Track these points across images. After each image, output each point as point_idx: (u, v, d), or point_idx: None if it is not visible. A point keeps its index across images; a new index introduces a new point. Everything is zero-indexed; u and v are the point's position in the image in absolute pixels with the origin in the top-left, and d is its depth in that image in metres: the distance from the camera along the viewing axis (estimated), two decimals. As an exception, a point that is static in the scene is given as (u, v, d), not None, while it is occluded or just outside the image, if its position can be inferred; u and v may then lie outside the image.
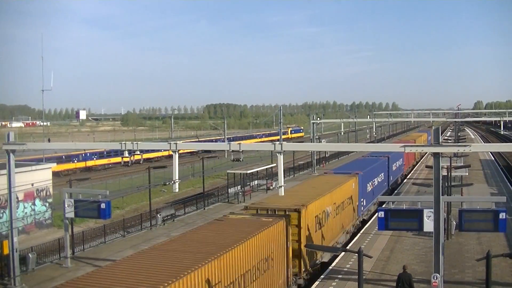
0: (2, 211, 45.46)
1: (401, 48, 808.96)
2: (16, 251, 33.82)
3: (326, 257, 37.17)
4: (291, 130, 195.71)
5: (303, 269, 32.49)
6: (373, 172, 55.52)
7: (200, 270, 20.45)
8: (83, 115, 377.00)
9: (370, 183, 53.17)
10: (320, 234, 36.10)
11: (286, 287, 30.09)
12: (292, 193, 37.84)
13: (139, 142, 32.63)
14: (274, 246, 28.18)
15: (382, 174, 61.67)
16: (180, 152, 31.43)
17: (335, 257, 37.66)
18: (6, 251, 34.90)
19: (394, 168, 70.44)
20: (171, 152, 31.10)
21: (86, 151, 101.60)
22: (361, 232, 45.99)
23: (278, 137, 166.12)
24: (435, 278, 23.49)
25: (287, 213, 31.85)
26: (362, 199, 49.11)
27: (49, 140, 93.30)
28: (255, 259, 25.77)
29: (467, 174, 58.64)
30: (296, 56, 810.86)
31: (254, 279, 25.55)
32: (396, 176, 73.92)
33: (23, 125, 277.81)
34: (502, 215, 26.64)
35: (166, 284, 18.45)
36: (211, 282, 21.14)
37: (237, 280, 23.69)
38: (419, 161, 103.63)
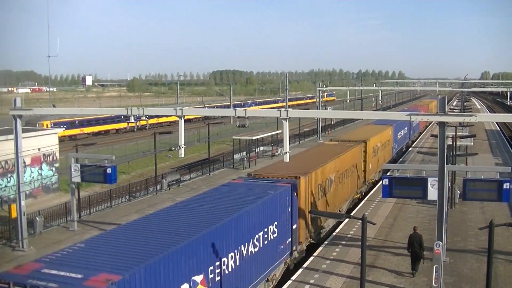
0: (9, 176, 45.82)
1: (408, 17, 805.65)
2: (24, 215, 34.23)
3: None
4: (326, 94, 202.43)
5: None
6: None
7: None
8: (89, 81, 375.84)
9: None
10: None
11: None
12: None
13: (145, 108, 32.74)
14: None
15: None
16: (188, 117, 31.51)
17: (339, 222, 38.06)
18: (14, 214, 35.32)
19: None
20: (176, 118, 31.21)
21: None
22: (365, 199, 46.24)
23: (301, 102, 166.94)
24: (437, 246, 23.68)
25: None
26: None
27: (54, 106, 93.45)
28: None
29: (472, 143, 58.65)
30: (303, 23, 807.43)
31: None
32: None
33: (30, 91, 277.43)
34: (506, 185, 26.77)
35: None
36: None
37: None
38: (426, 128, 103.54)
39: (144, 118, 33.80)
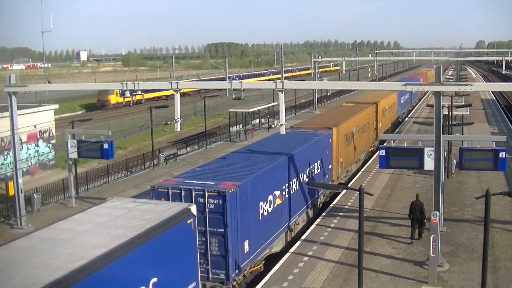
0: (6, 153, 45.75)
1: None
2: (21, 192, 34.23)
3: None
4: (332, 64, 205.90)
5: None
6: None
7: None
8: (83, 56, 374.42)
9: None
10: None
11: None
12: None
13: (140, 82, 32.61)
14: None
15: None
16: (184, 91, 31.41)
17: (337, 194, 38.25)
18: (11, 192, 35.34)
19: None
20: (172, 92, 31.10)
21: None
22: (362, 170, 46.35)
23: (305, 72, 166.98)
24: (434, 216, 23.78)
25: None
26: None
27: (49, 82, 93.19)
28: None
29: (468, 113, 58.69)
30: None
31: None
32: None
33: (24, 67, 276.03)
34: (502, 154, 26.81)
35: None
36: None
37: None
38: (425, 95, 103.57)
39: (139, 92, 33.66)
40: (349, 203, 36.01)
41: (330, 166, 39.18)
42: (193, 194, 23.52)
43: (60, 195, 40.38)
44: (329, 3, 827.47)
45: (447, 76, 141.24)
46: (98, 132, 40.28)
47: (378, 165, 31.40)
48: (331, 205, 36.17)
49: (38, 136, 49.73)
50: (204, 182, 24.36)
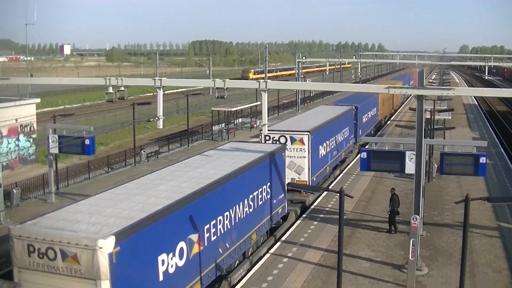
0: (-14, 146, 45.36)
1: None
2: (0, 187, 33.95)
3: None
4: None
5: None
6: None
7: None
8: (67, 50, 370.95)
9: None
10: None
11: None
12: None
13: (123, 78, 32.49)
14: None
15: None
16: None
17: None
18: (-10, 186, 35.00)
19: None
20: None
21: None
22: (343, 172, 46.44)
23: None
24: (414, 220, 23.86)
25: None
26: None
27: (31, 76, 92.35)
28: None
29: (450, 117, 58.98)
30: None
31: None
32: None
33: (7, 60, 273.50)
34: (482, 160, 26.97)
35: None
36: None
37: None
38: (404, 102, 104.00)
39: (123, 88, 33.48)
40: (329, 205, 36.06)
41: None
42: None
43: (40, 190, 40.08)
44: (313, 4, 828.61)
45: (430, 80, 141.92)
46: (80, 128, 40.07)
47: (359, 168, 31.46)
48: (312, 207, 36.22)
49: (19, 130, 49.33)
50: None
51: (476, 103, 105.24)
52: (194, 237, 21.58)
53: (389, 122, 78.02)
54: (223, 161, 28.11)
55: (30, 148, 50.25)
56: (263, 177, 29.70)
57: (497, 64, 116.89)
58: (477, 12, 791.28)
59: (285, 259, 27.08)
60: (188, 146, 59.89)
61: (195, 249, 21.67)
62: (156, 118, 30.99)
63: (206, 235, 22.79)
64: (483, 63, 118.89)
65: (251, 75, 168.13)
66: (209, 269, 22.95)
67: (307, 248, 28.58)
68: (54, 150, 37.12)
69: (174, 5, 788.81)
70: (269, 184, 30.21)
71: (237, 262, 26.80)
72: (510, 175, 44.61)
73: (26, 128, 50.08)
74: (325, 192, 37.86)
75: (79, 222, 17.98)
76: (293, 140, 37.70)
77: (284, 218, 33.94)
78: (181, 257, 20.54)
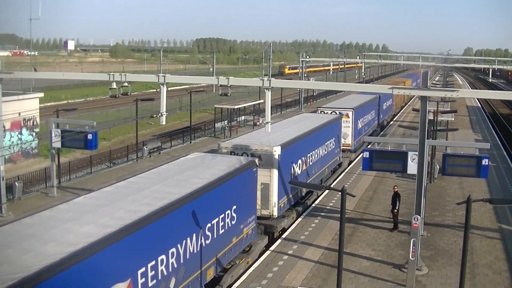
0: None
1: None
2: (3, 180, 33.98)
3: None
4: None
5: None
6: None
7: None
8: (71, 45, 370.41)
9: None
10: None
11: None
12: None
13: (127, 74, 32.50)
14: None
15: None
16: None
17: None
18: (-8, 179, 35.03)
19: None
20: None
21: None
22: (345, 171, 46.45)
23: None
24: (415, 220, 23.88)
25: None
26: None
27: (35, 70, 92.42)
28: None
29: (453, 119, 58.94)
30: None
31: None
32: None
33: (11, 54, 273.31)
34: (484, 161, 26.92)
35: None
36: None
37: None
38: (408, 102, 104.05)
39: (126, 84, 33.47)
40: (331, 204, 36.08)
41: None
42: None
43: (42, 184, 40.14)
44: (318, 4, 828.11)
45: (434, 82, 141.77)
46: (83, 122, 40.02)
47: (361, 167, 31.45)
48: (313, 205, 36.25)
49: (22, 124, 49.40)
50: None
51: (479, 105, 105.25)
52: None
53: (392, 122, 78.01)
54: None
55: (32, 142, 50.33)
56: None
57: (501, 67, 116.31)
58: (482, 15, 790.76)
59: (286, 257, 27.11)
60: (190, 142, 59.94)
61: None
62: (159, 114, 30.98)
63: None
64: (487, 66, 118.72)
65: (286, 71, 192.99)
66: None
67: (307, 246, 28.60)
68: (57, 144, 37.10)
69: (179, 2, 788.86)
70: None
71: None
72: (512, 178, 44.64)
73: (29, 122, 50.15)
74: (327, 191, 37.86)
75: None
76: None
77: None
78: None
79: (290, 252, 27.75)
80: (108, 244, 15.94)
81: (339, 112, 50.75)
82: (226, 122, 66.78)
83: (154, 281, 18.36)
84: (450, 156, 27.82)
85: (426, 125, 26.69)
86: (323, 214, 34.00)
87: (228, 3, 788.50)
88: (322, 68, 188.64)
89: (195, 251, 21.37)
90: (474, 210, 31.54)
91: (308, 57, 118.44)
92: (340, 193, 18.52)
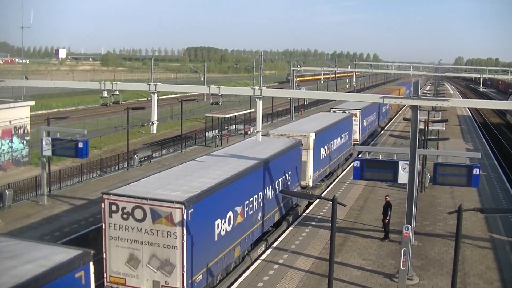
0: (-21, 147, 45.23)
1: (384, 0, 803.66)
2: (-7, 187, 33.83)
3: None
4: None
5: None
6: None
7: None
8: (62, 53, 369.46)
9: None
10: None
11: None
12: None
13: (118, 82, 32.45)
14: None
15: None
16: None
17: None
18: (-18, 187, 34.90)
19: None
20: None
21: None
22: (336, 180, 46.47)
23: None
24: (406, 229, 23.90)
25: None
26: None
27: (26, 78, 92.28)
28: None
29: (444, 128, 59.19)
30: (279, 1, 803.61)
31: None
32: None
33: (2, 62, 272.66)
34: (475, 171, 26.95)
35: None
36: None
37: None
38: (399, 111, 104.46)
39: (117, 93, 33.40)
40: (321, 213, 36.07)
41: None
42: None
43: (32, 192, 39.92)
44: (310, 13, 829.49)
45: (425, 91, 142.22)
46: (74, 131, 39.85)
47: (352, 177, 31.45)
48: (304, 214, 36.25)
49: (13, 132, 49.23)
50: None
51: (470, 114, 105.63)
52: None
53: (382, 132, 78.17)
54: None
55: (23, 150, 50.14)
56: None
57: (492, 76, 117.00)
58: (473, 25, 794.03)
59: (276, 266, 27.06)
60: (181, 151, 59.80)
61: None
62: (150, 123, 30.96)
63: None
64: (478, 75, 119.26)
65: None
66: None
67: (298, 255, 28.56)
68: (48, 152, 36.99)
69: (170, 11, 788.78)
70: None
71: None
72: (503, 187, 44.72)
73: (19, 130, 49.97)
74: (317, 200, 37.83)
75: None
76: None
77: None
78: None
79: (280, 261, 27.70)
80: (232, 181, 26.45)
81: (349, 112, 60.99)
82: (217, 131, 66.74)
83: (252, 211, 29.16)
84: (441, 166, 27.83)
85: (417, 134, 26.76)
86: (313, 223, 33.98)
87: (219, 11, 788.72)
88: (313, 77, 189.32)
89: (270, 197, 31.93)
90: (465, 220, 31.58)
91: (299, 66, 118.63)
92: (331, 202, 18.53)
